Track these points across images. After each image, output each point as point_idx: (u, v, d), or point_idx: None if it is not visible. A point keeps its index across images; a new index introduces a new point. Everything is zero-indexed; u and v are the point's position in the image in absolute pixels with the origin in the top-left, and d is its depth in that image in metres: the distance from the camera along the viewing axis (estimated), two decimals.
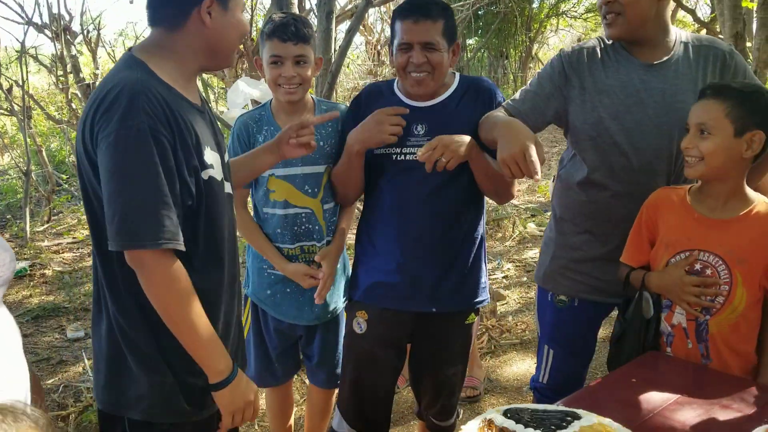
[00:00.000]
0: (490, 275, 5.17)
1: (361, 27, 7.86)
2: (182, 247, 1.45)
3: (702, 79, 2.04)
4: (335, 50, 3.85)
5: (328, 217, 2.36)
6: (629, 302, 1.99)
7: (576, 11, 17.01)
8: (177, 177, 1.44)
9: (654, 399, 1.61)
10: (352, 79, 10.55)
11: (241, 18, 1.59)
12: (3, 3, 7.05)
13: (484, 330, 4.15)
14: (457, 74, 2.20)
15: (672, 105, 2.02)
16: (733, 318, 1.80)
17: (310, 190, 2.30)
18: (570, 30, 18.06)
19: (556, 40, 18.29)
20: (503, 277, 5.15)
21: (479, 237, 2.22)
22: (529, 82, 2.23)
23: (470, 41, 18.55)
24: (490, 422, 1.30)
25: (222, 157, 1.64)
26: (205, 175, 1.52)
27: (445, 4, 2.11)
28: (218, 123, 1.77)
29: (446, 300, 2.19)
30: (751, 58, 4.64)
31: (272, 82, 2.23)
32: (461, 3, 14.89)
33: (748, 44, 4.68)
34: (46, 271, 5.33)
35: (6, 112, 7.56)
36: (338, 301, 2.47)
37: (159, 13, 1.53)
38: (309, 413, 2.74)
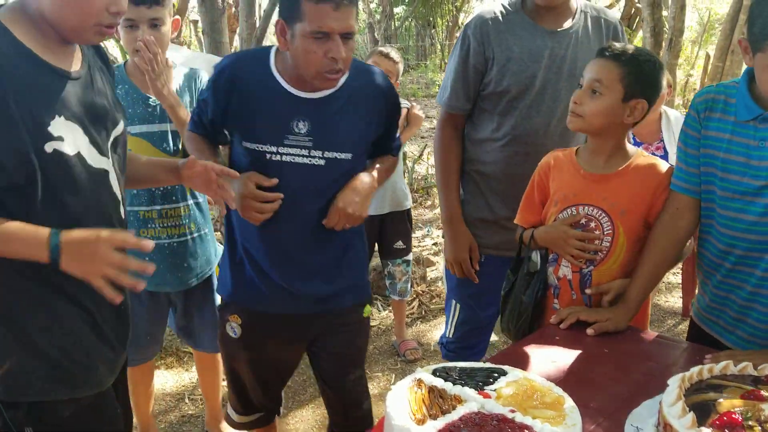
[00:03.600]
0: (419, 242, 5.24)
1: None
2: None
3: (597, 48, 2.11)
4: (260, 16, 3.76)
5: None
6: (521, 260, 2.06)
7: None
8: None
9: (576, 354, 1.66)
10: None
11: None
12: None
13: (414, 296, 4.20)
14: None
15: (571, 71, 2.12)
16: (615, 268, 1.89)
17: (168, 148, 2.25)
18: None
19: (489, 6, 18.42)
20: (433, 244, 5.22)
21: (360, 229, 2.03)
22: (449, 68, 2.29)
23: (397, 10, 18.50)
24: (419, 381, 1.31)
25: (94, 130, 1.47)
26: (48, 147, 1.36)
27: None
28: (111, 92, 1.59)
29: (335, 298, 2.01)
30: (666, 26, 4.79)
31: (128, 46, 2.14)
32: None
33: (664, 13, 4.83)
34: None
35: None
36: (206, 264, 2.44)
37: None
38: (202, 381, 2.80)
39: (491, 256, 2.32)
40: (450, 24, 18.21)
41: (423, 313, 4.07)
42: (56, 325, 1.45)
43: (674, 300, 4.37)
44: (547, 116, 2.15)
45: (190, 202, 2.34)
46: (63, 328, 1.46)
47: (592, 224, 1.89)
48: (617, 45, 1.86)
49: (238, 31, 4.20)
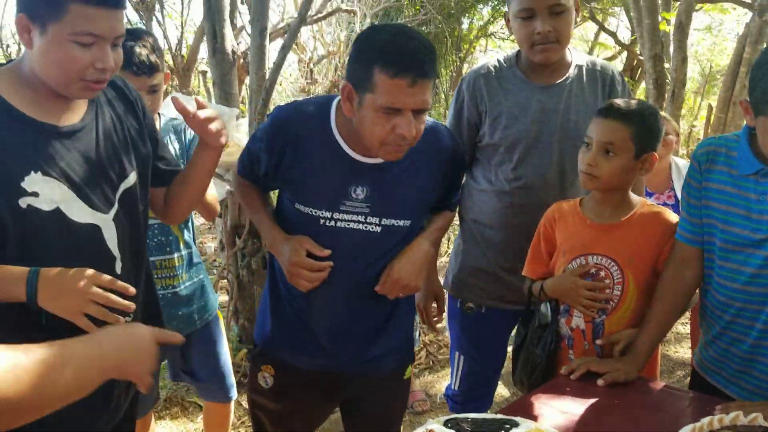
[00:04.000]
0: None
1: (294, 45, 7.85)
2: None
3: (592, 100, 2.18)
4: (269, 67, 3.84)
5: (183, 226, 2.33)
6: (531, 313, 2.06)
7: (504, 33, 17.48)
8: None
9: (587, 405, 1.65)
10: (284, 96, 10.53)
11: (65, 51, 1.35)
12: None
13: (422, 346, 4.18)
14: None
15: (564, 124, 2.16)
16: (626, 316, 1.90)
17: None
18: (499, 50, 18.52)
19: (486, 61, 18.69)
20: None
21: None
22: (447, 120, 2.35)
23: None
24: None
25: (88, 184, 1.45)
26: (23, 203, 1.35)
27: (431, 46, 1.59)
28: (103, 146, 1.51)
29: (378, 360, 1.93)
30: (669, 78, 4.87)
31: None
32: None
33: (666, 65, 4.92)
34: None
35: None
36: (204, 311, 2.41)
37: None
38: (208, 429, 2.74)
39: (491, 308, 2.33)
40: (454, 74, 18.48)
41: (431, 363, 4.04)
42: None
43: (683, 351, 4.33)
44: (541, 168, 2.18)
45: (184, 252, 2.35)
46: None
47: (602, 273, 1.90)
48: (620, 103, 1.89)
49: (247, 82, 4.27)
